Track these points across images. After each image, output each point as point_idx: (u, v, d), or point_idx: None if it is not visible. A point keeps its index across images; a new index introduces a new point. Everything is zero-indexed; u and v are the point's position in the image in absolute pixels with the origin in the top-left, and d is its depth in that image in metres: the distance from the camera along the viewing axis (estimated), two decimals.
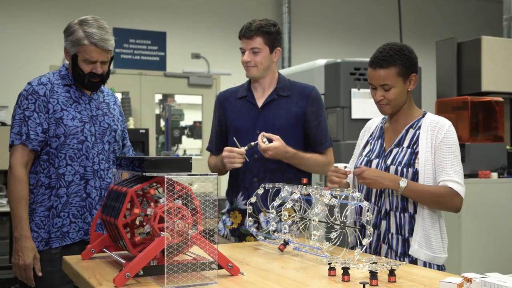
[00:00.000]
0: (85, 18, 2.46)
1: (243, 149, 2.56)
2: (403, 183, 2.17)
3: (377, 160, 2.35)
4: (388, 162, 2.30)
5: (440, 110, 4.85)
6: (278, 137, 2.54)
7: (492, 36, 5.11)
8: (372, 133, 2.49)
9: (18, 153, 2.43)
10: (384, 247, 2.28)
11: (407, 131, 2.33)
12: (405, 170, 2.24)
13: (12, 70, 6.73)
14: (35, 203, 2.45)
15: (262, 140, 2.52)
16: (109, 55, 2.48)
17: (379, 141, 2.41)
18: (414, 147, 2.27)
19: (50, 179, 2.44)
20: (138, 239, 1.82)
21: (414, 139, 2.28)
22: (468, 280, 1.51)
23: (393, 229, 2.27)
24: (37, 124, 2.42)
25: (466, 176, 4.37)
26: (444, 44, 5.16)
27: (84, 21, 2.44)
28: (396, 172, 2.25)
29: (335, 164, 2.34)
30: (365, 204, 1.98)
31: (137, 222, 1.92)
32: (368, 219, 1.99)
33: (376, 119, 2.54)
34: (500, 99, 4.90)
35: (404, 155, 2.27)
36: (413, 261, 2.21)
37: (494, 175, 4.53)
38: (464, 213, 4.15)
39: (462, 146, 4.52)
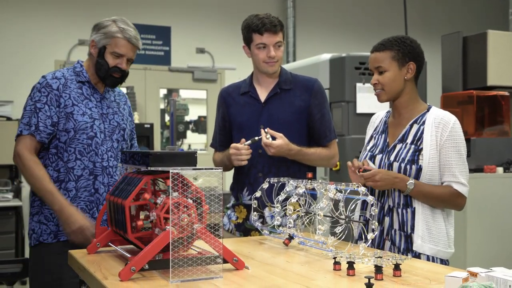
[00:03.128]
0: (118, 18, 2.57)
1: (246, 144, 2.55)
2: (410, 185, 2.19)
3: (381, 155, 2.34)
4: (392, 158, 2.29)
5: (446, 104, 4.84)
6: (281, 135, 2.53)
7: (498, 30, 5.08)
8: (376, 127, 2.48)
9: (25, 142, 2.45)
10: (387, 243, 2.28)
11: (411, 126, 2.31)
12: (408, 167, 2.23)
13: (17, 65, 6.74)
14: None
15: (265, 136, 2.51)
16: (135, 54, 2.56)
17: (383, 135, 2.40)
18: (418, 143, 2.25)
19: (59, 172, 2.48)
20: (140, 224, 1.82)
21: (418, 135, 2.27)
22: (474, 275, 1.51)
23: (396, 226, 2.27)
24: (47, 116, 2.45)
25: (472, 171, 4.36)
26: (449, 38, 5.14)
27: (117, 19, 2.55)
28: (399, 168, 2.24)
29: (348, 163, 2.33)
30: (370, 198, 1.98)
31: (142, 216, 1.92)
32: (373, 214, 1.98)
33: (380, 113, 2.53)
34: (506, 93, 4.87)
35: (407, 152, 2.26)
36: (416, 256, 2.21)
37: (500, 169, 4.51)
38: (470, 208, 4.14)
39: (467, 140, 4.48)
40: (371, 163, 2.36)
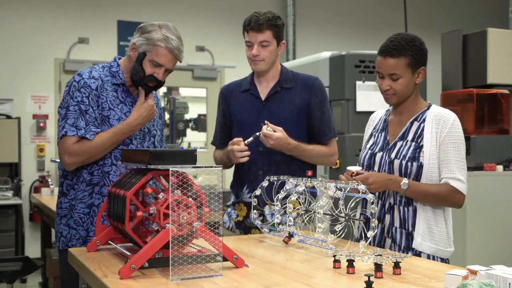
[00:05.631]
0: (166, 23, 2.43)
1: (244, 143, 2.55)
2: (404, 185, 2.17)
3: (381, 153, 2.34)
4: (392, 155, 2.29)
5: (446, 102, 4.83)
6: (280, 128, 2.54)
7: (498, 28, 5.08)
8: (376, 125, 2.48)
9: (72, 142, 2.32)
10: (388, 241, 2.28)
11: (412, 123, 2.31)
12: (409, 164, 2.23)
13: (17, 63, 6.74)
14: (75, 199, 2.41)
15: (265, 128, 2.52)
16: (174, 66, 2.45)
17: (383, 133, 2.40)
18: (419, 140, 2.25)
19: (92, 175, 2.40)
20: (140, 214, 1.82)
21: (419, 132, 2.27)
22: (473, 273, 1.51)
23: (397, 223, 2.27)
24: (94, 118, 2.35)
25: (471, 169, 4.36)
26: (449, 36, 5.14)
27: (165, 25, 2.41)
28: (400, 166, 2.24)
29: (348, 168, 2.27)
30: (369, 196, 1.98)
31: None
32: (373, 212, 1.98)
33: (379, 111, 2.53)
34: (506, 91, 4.87)
35: (408, 149, 2.26)
36: (417, 254, 2.21)
37: (500, 167, 4.51)
38: (469, 206, 4.14)
39: (467, 138, 4.50)
40: (356, 168, 2.30)
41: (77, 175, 2.41)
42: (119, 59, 2.53)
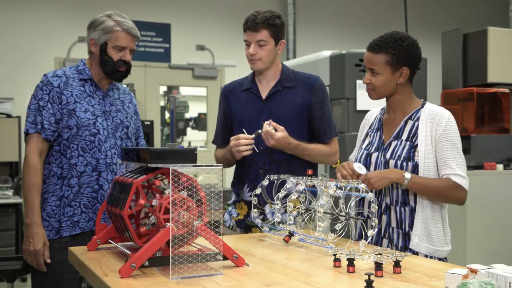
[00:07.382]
0: (111, 12, 2.59)
1: (250, 136, 2.55)
2: (407, 174, 2.17)
3: (377, 153, 2.33)
4: (388, 155, 2.28)
5: (446, 101, 4.83)
6: (282, 128, 2.54)
7: (498, 27, 5.08)
8: (372, 125, 2.47)
9: (33, 142, 2.50)
10: (385, 242, 2.28)
11: (406, 122, 2.30)
12: (404, 164, 2.22)
13: (17, 62, 6.74)
14: (47, 192, 2.53)
15: (268, 127, 2.52)
16: (135, 44, 2.59)
17: (378, 133, 2.39)
18: (413, 140, 2.24)
19: (62, 169, 2.52)
20: (143, 230, 1.83)
21: (413, 131, 2.26)
22: (474, 271, 1.51)
23: (393, 223, 2.26)
24: (50, 114, 2.50)
25: (472, 167, 4.36)
26: (450, 35, 5.13)
27: (111, 14, 2.57)
28: (395, 166, 2.23)
29: (355, 166, 2.26)
30: (369, 195, 1.97)
31: (143, 214, 1.93)
32: (373, 211, 1.98)
33: (374, 110, 2.53)
34: (506, 90, 4.87)
35: (403, 149, 2.25)
36: (414, 254, 2.20)
37: (500, 166, 4.51)
38: (469, 204, 4.14)
39: (467, 137, 4.50)
40: (355, 165, 2.30)
41: (48, 169, 2.55)
42: (85, 59, 2.67)
